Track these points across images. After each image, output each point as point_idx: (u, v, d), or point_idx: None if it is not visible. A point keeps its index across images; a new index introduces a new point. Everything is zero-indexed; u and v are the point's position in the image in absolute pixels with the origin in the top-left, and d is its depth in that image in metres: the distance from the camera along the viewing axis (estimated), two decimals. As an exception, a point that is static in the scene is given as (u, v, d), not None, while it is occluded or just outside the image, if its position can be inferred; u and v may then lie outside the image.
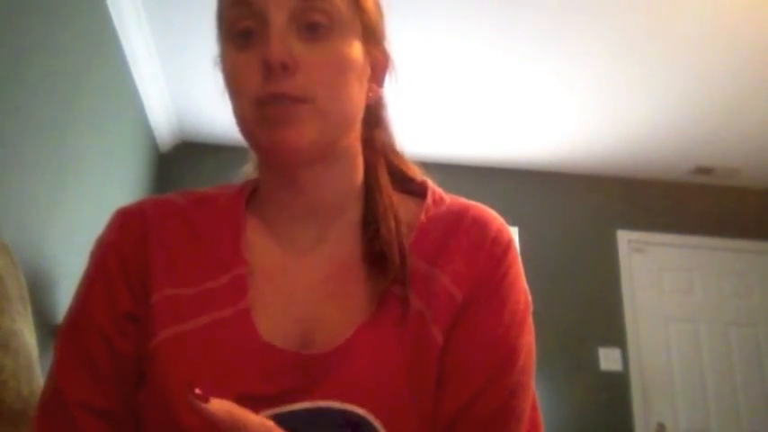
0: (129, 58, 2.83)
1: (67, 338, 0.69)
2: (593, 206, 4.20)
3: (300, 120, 0.64)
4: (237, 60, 0.66)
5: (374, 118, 0.77)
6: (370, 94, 0.73)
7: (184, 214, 0.73)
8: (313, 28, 0.66)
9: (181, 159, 3.85)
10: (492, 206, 0.75)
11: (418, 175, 0.79)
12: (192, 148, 3.87)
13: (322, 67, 0.66)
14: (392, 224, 0.69)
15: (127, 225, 0.72)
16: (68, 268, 2.20)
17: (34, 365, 1.17)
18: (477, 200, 0.75)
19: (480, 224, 0.71)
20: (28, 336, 1.21)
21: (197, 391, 0.49)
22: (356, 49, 0.69)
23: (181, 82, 3.26)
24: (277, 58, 0.63)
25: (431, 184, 0.77)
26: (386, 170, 0.77)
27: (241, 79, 0.66)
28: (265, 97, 0.64)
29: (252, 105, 0.65)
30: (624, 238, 4.13)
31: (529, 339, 0.69)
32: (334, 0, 0.66)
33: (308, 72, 0.65)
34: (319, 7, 0.65)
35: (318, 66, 0.65)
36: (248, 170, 0.80)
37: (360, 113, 0.71)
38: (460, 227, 0.71)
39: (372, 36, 0.71)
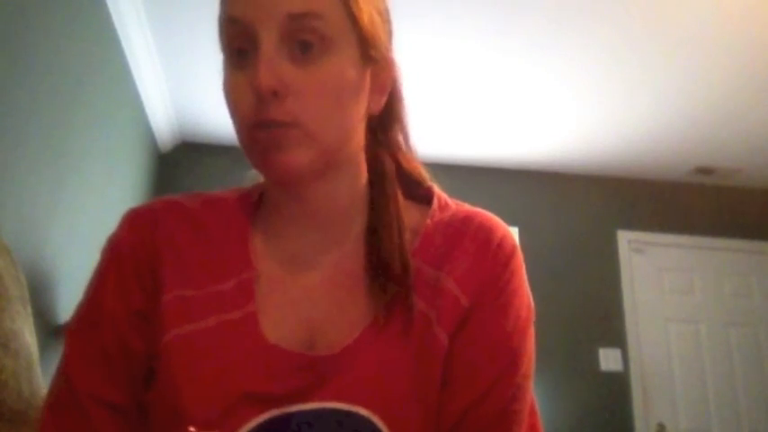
0: (129, 58, 2.83)
1: (79, 334, 0.70)
2: (594, 206, 4.20)
3: (290, 145, 0.64)
4: (233, 80, 0.66)
5: (390, 118, 0.77)
6: (372, 105, 0.72)
7: (194, 217, 0.74)
8: (305, 48, 0.64)
9: (181, 160, 3.85)
10: (492, 206, 0.76)
11: (426, 179, 0.79)
12: (192, 149, 3.87)
13: (313, 92, 0.64)
14: (395, 234, 0.70)
15: (139, 225, 0.73)
16: (69, 268, 2.20)
17: (34, 365, 1.17)
18: (476, 200, 0.76)
19: (486, 230, 0.72)
20: (28, 336, 1.21)
21: (191, 429, 0.50)
22: (351, 67, 0.67)
23: (181, 82, 3.26)
24: (266, 85, 0.61)
25: (437, 189, 0.78)
26: (394, 173, 0.77)
27: (236, 101, 0.65)
28: (256, 122, 0.64)
29: (245, 128, 0.65)
30: (624, 238, 4.13)
31: (530, 346, 0.70)
32: (327, 17, 0.64)
33: (299, 97, 0.63)
34: (310, 27, 0.63)
35: (310, 91, 0.64)
36: (255, 173, 0.80)
37: (356, 128, 0.70)
38: (466, 233, 0.71)
39: (372, 46, 0.69)
